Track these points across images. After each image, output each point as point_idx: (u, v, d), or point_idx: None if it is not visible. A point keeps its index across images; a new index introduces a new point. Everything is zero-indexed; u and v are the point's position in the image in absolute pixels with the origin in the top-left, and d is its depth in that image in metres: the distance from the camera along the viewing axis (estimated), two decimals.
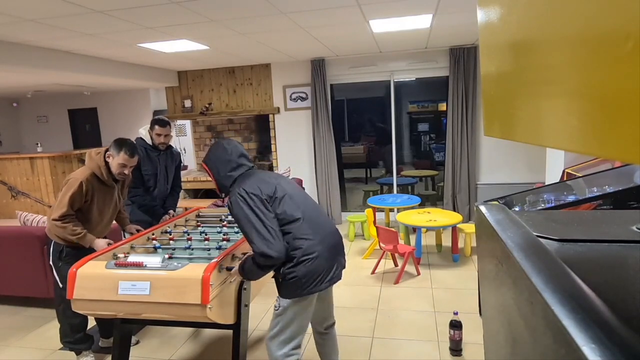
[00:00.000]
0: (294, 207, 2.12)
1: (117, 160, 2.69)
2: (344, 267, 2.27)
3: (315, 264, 2.06)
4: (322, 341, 2.47)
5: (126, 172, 2.74)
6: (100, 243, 2.66)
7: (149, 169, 3.41)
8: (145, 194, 3.43)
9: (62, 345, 2.97)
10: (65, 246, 2.74)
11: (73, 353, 2.94)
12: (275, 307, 2.16)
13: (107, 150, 2.74)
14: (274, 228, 2.02)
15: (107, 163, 2.73)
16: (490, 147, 5.95)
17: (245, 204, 2.02)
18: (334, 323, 2.48)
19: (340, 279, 2.22)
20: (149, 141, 3.44)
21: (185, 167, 7.60)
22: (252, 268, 2.07)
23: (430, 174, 7.99)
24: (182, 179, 3.93)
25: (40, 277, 3.65)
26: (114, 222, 3.09)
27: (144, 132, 3.47)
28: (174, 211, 3.65)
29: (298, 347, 2.18)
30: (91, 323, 3.10)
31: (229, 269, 2.25)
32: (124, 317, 2.39)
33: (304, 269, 2.05)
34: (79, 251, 2.71)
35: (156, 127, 3.39)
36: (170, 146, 3.57)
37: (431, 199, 7.30)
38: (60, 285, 2.77)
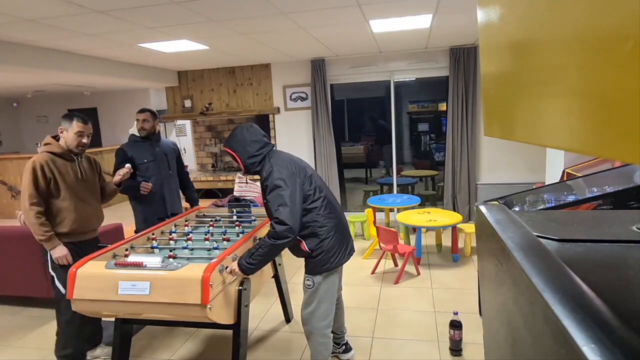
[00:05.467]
0: (320, 186, 2.39)
1: (72, 130, 2.64)
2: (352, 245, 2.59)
3: (337, 239, 2.37)
4: (337, 307, 2.72)
5: (84, 140, 2.68)
6: (59, 250, 2.62)
7: (141, 158, 3.47)
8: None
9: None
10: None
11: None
12: (309, 285, 2.39)
13: (54, 134, 2.71)
14: (298, 205, 2.22)
15: (57, 140, 2.70)
16: (490, 147, 5.94)
17: (279, 177, 2.21)
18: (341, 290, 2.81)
19: (352, 255, 2.54)
20: (137, 134, 3.56)
21: (186, 167, 7.59)
22: (266, 246, 2.18)
23: (430, 174, 7.98)
24: None
25: (40, 277, 3.65)
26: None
27: (132, 129, 3.62)
28: (197, 203, 3.88)
29: (332, 318, 2.50)
30: None
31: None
32: (124, 317, 2.39)
33: (330, 243, 2.34)
34: (71, 254, 2.70)
35: (136, 114, 3.55)
36: (159, 137, 3.65)
37: (431, 199, 7.29)
38: (63, 292, 2.67)
